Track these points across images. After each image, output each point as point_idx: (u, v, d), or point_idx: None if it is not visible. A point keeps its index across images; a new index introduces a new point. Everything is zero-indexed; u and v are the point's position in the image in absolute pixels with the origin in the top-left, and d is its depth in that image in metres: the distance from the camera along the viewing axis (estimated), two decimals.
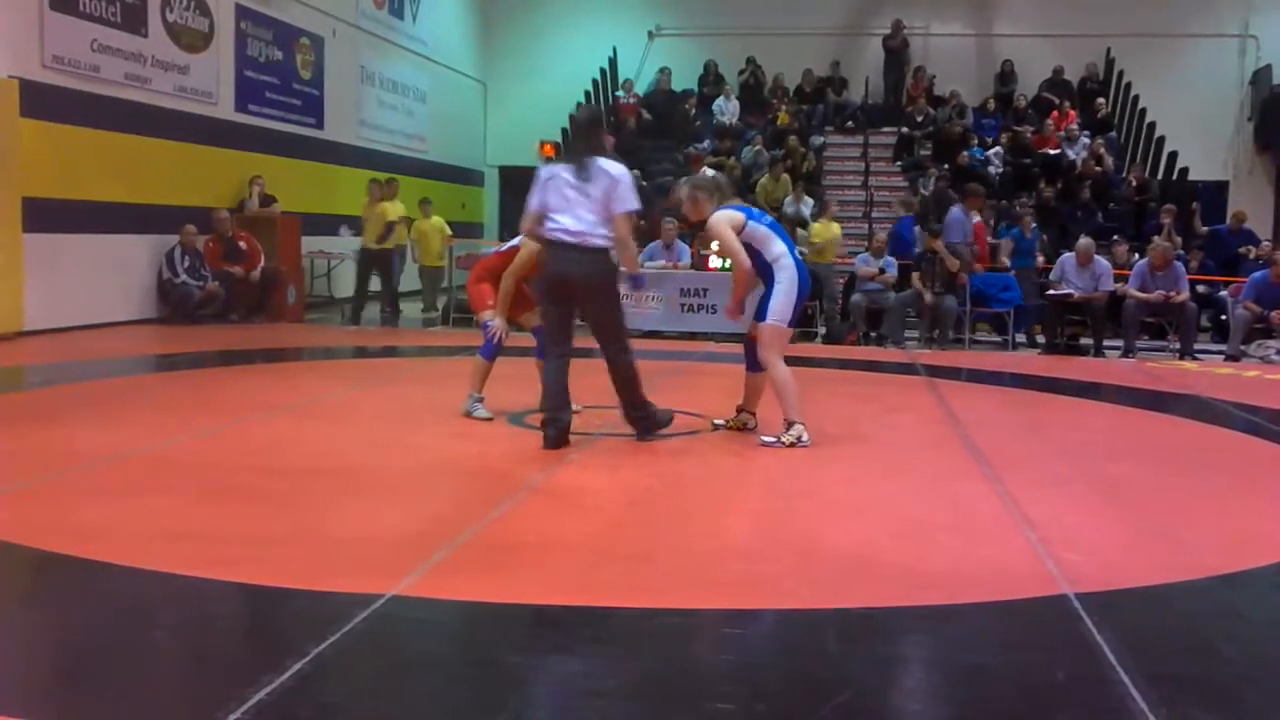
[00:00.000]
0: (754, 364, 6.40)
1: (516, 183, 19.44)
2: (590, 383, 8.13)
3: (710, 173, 6.59)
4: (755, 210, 6.41)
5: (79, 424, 6.40)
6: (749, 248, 6.11)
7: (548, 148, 19.66)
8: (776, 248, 6.13)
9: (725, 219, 6.10)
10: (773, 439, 5.99)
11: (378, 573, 3.71)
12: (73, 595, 3.64)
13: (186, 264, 12.38)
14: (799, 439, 5.93)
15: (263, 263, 13.08)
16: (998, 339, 12.99)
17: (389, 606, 3.43)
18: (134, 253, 12.11)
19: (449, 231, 15.44)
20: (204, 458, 5.64)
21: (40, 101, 10.57)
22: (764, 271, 6.15)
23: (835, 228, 13.77)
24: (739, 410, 6.50)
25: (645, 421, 6.22)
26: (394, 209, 13.79)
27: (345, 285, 16.07)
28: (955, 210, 13.09)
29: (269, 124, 14.72)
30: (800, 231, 13.64)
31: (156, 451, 5.69)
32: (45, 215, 10.59)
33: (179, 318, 12.23)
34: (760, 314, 6.14)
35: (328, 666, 2.99)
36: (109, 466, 5.32)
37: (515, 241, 6.87)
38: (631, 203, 5.92)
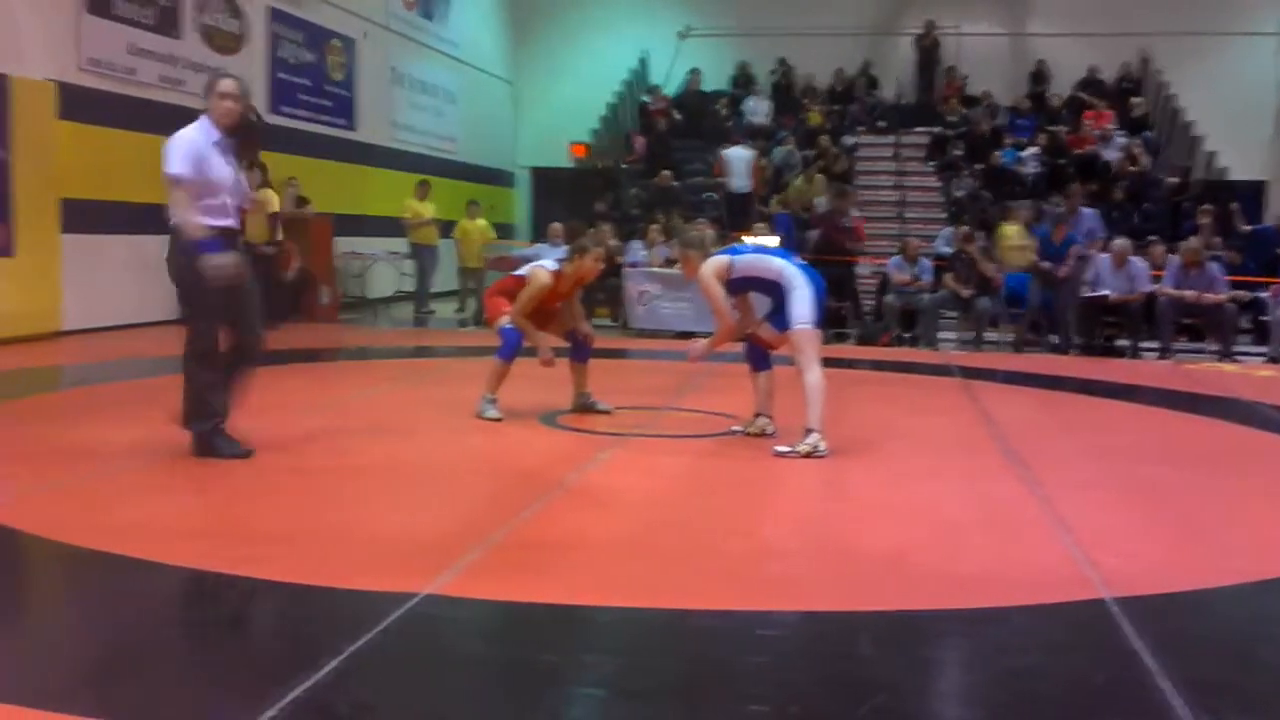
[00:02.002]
0: (759, 365, 6.45)
1: (547, 183, 19.58)
2: (620, 383, 8.13)
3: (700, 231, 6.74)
4: (736, 246, 6.65)
5: (116, 423, 6.46)
6: (750, 279, 6.26)
7: (578, 148, 19.74)
8: (773, 264, 6.22)
9: (712, 270, 6.22)
10: (787, 449, 5.89)
11: (411, 571, 3.72)
12: (109, 591, 3.67)
13: None
14: (815, 448, 5.82)
15: (296, 264, 13.15)
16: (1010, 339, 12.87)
17: (423, 605, 3.44)
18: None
19: (492, 235, 15.50)
20: None
21: (77, 104, 10.68)
22: (774, 289, 6.22)
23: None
24: (756, 415, 6.47)
25: (199, 438, 5.43)
26: (274, 200, 12.24)
27: (379, 286, 16.20)
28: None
29: (301, 125, 14.82)
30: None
31: (191, 450, 5.72)
32: (82, 216, 10.70)
33: None
34: (784, 323, 6.14)
35: (362, 665, 3.00)
36: (144, 465, 5.36)
37: (524, 270, 6.94)
38: (165, 165, 5.26)
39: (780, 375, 6.45)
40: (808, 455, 5.80)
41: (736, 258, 6.26)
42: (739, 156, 16.17)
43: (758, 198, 16.24)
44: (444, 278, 15.73)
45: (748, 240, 12.65)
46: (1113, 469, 5.93)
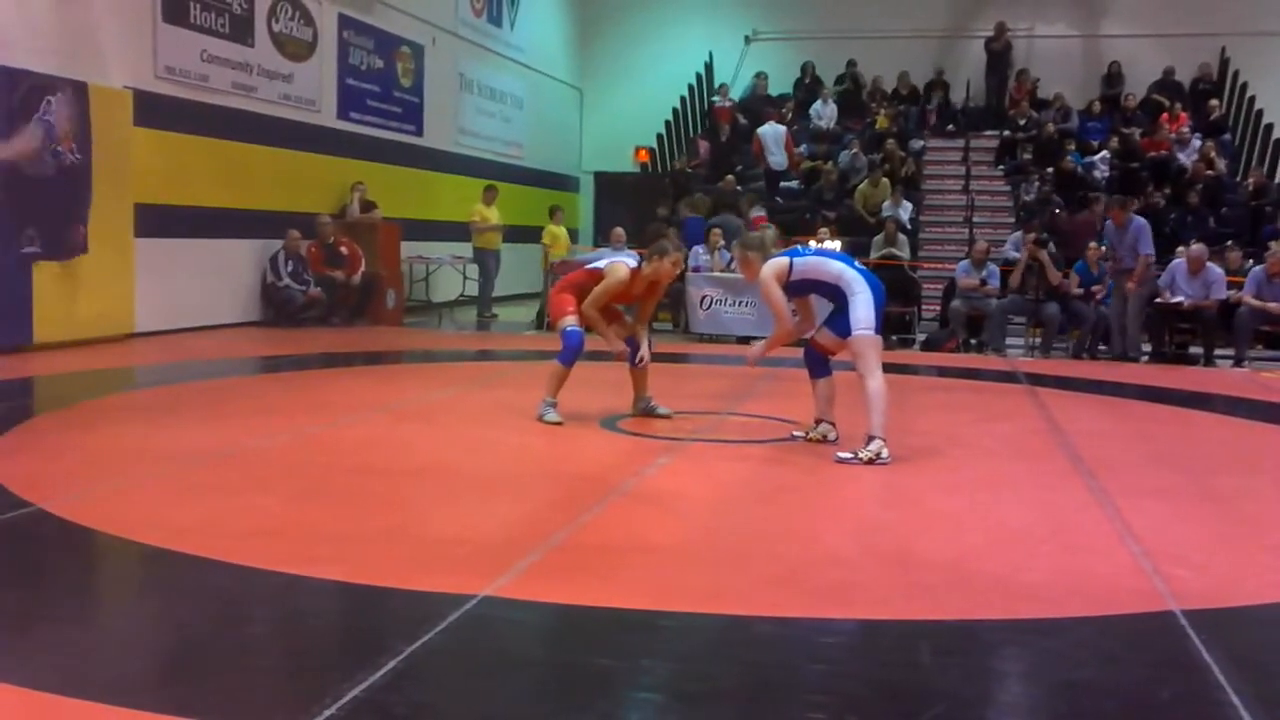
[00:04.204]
0: (819, 372, 6.39)
1: (609, 188, 19.65)
2: (681, 388, 8.13)
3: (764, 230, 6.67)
4: (798, 249, 6.54)
5: (184, 423, 6.58)
6: (807, 281, 6.22)
7: (643, 153, 19.77)
8: (833, 268, 6.17)
9: (771, 272, 6.17)
10: (849, 455, 5.83)
11: (470, 573, 3.74)
12: (173, 589, 3.73)
13: (290, 268, 12.66)
14: (878, 455, 5.76)
15: (363, 267, 13.32)
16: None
17: (481, 607, 3.45)
18: (239, 257, 12.43)
19: (566, 241, 15.64)
20: (303, 457, 5.76)
21: (152, 111, 10.91)
22: (834, 293, 6.18)
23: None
24: (817, 421, 6.42)
25: None
26: None
27: (444, 290, 16.36)
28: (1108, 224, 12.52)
29: (370, 131, 15.00)
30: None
31: (257, 450, 5.83)
32: (156, 221, 10.92)
33: (282, 321, 12.51)
34: (844, 329, 6.09)
35: (420, 665, 3.02)
36: (211, 464, 5.45)
37: (600, 263, 6.92)
38: None
39: (841, 381, 6.40)
40: (869, 462, 5.74)
41: (797, 260, 6.21)
42: (773, 133, 17.22)
43: (794, 173, 17.38)
44: (506, 282, 15.85)
45: (812, 244, 12.58)
46: (1183, 479, 5.80)
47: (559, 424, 6.62)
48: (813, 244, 13.03)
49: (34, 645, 3.13)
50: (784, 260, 6.20)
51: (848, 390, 6.29)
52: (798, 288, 6.27)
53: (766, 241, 6.56)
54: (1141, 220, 12.06)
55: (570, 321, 6.76)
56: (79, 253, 10.00)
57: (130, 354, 9.91)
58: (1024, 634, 3.46)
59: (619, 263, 6.85)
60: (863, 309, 5.97)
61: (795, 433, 6.53)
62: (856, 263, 6.35)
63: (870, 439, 5.83)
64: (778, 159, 17.19)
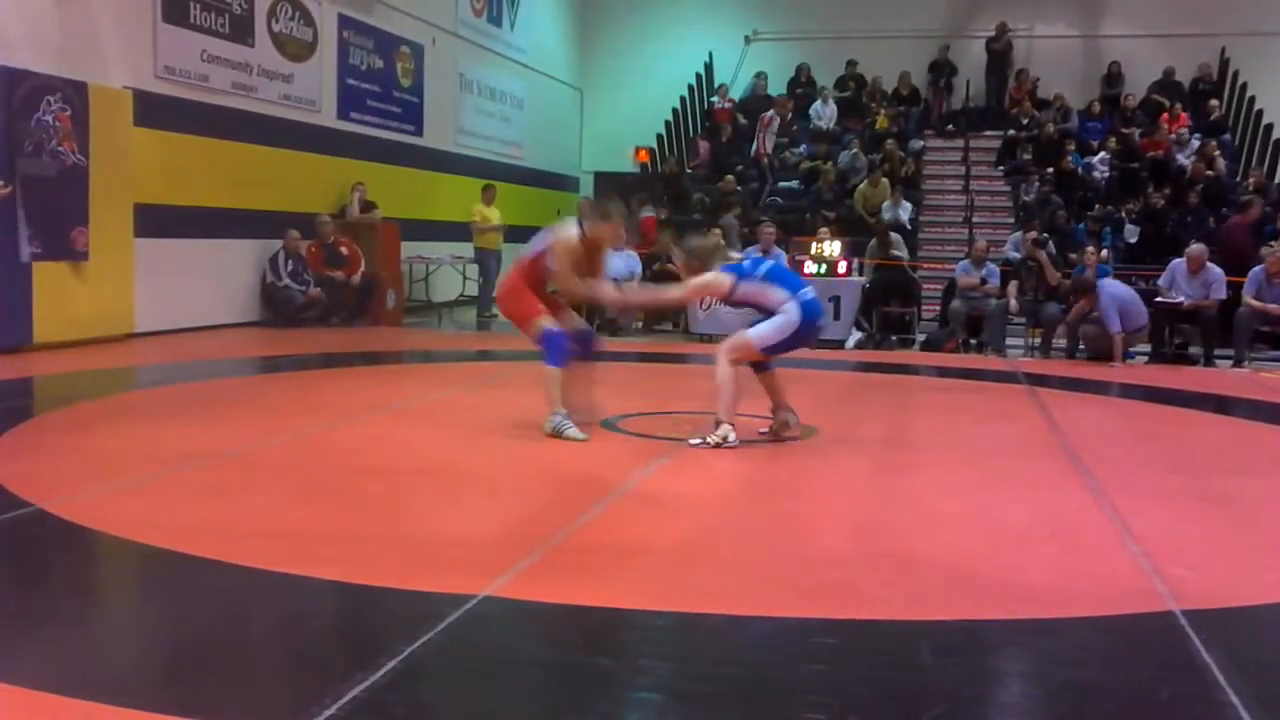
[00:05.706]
0: (759, 368, 6.48)
1: (611, 188, 19.63)
2: (680, 387, 8.12)
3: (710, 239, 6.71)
4: (745, 266, 6.50)
5: (184, 423, 6.58)
6: (747, 302, 6.30)
7: (643, 153, 19.77)
8: (776, 296, 6.18)
9: (705, 282, 6.28)
10: (699, 440, 6.02)
11: (470, 573, 3.74)
12: (174, 589, 3.73)
13: (289, 268, 12.66)
14: (725, 439, 5.95)
15: (363, 268, 13.32)
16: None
17: (481, 607, 3.45)
18: (239, 257, 12.43)
19: None
20: (303, 458, 5.77)
21: (152, 111, 10.91)
22: (768, 313, 6.25)
23: None
24: (774, 411, 6.51)
25: None
26: None
27: (444, 290, 16.37)
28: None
29: (370, 131, 15.00)
30: None
31: (257, 451, 5.83)
32: (155, 221, 10.91)
33: (282, 321, 12.50)
34: (748, 327, 6.26)
35: (420, 665, 3.02)
36: (212, 465, 5.45)
37: (540, 245, 6.40)
38: None
39: (786, 375, 6.54)
40: (717, 446, 5.92)
41: (741, 283, 6.21)
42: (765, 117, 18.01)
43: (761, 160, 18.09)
44: None
45: (812, 247, 12.62)
46: (1183, 479, 5.80)
47: (584, 440, 6.18)
48: (813, 246, 13.09)
49: (34, 645, 3.13)
50: (727, 281, 6.21)
51: (798, 383, 6.27)
52: (738, 303, 6.42)
53: (713, 249, 6.59)
54: (1108, 293, 11.19)
55: (547, 322, 6.32)
56: (80, 258, 10.00)
57: (130, 354, 9.91)
58: (1024, 634, 3.46)
59: (563, 232, 6.35)
60: (768, 328, 6.11)
61: (761, 430, 6.55)
62: (808, 292, 6.25)
63: (718, 424, 6.02)
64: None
